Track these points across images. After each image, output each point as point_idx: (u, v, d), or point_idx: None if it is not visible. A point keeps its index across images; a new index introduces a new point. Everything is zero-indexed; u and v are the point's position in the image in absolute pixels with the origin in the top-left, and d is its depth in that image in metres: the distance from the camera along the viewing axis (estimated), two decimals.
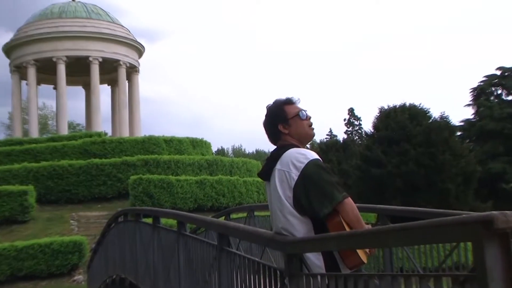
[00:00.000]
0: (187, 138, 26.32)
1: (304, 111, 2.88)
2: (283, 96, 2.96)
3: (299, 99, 2.92)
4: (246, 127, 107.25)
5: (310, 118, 2.88)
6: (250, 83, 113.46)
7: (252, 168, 25.27)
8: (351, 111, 52.59)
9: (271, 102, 2.95)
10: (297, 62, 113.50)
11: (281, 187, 2.68)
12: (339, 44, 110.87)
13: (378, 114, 31.06)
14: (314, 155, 2.67)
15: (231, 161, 24.91)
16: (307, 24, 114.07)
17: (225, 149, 76.13)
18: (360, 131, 48.78)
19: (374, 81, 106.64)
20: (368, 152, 28.55)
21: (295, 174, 2.63)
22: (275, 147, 2.87)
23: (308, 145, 2.97)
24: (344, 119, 52.68)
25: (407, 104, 30.43)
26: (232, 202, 20.93)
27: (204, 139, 27.52)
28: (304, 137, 2.87)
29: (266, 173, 2.81)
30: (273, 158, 2.78)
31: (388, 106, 30.72)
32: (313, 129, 2.89)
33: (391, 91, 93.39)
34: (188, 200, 20.41)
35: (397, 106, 30.27)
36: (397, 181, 26.34)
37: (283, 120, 2.84)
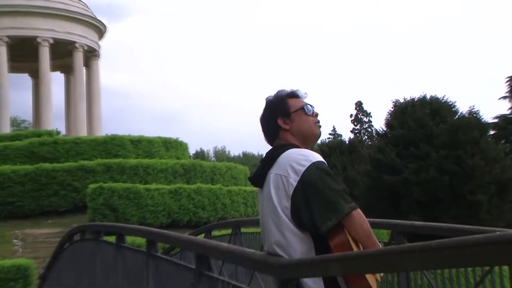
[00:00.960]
0: (159, 138, 26.38)
1: (311, 106, 2.95)
2: (286, 88, 3.03)
3: (306, 93, 3.00)
4: (230, 125, 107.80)
5: (317, 115, 2.96)
6: (237, 74, 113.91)
7: (238, 174, 25.36)
8: (359, 105, 52.86)
9: (271, 93, 3.02)
10: (294, 48, 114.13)
11: (277, 195, 2.72)
12: (344, 27, 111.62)
13: (392, 109, 31.22)
14: (317, 157, 2.70)
15: (213, 166, 25.03)
16: (306, 4, 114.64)
17: (205, 151, 76.35)
18: (370, 130, 49.35)
19: (387, 70, 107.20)
20: (380, 155, 28.67)
21: (294, 180, 2.67)
22: (271, 147, 2.92)
23: None
24: (351, 115, 52.67)
25: (428, 96, 30.52)
26: (214, 217, 21.04)
27: (180, 140, 27.69)
28: (308, 135, 2.92)
29: (259, 177, 2.85)
30: (268, 160, 2.83)
31: (405, 99, 30.86)
32: (320, 127, 2.97)
33: (408, 81, 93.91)
34: (160, 214, 20.39)
35: (416, 99, 30.36)
36: (416, 190, 26.46)
37: (284, 113, 2.91)
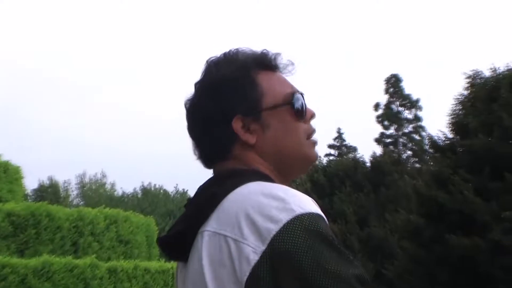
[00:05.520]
0: None
1: (301, 94, 3.10)
2: (250, 48, 3.14)
3: (291, 62, 3.17)
4: (115, 135, 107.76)
5: (313, 116, 3.14)
6: (118, 43, 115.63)
7: (131, 233, 25.94)
8: (393, 82, 53.48)
9: (216, 55, 3.15)
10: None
11: (215, 278, 2.69)
12: None
13: (465, 93, 31.25)
14: (306, 204, 2.68)
15: (77, 216, 25.38)
16: None
17: (61, 184, 76.22)
18: (417, 137, 50.74)
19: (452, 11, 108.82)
20: (440, 192, 28.68)
21: (253, 249, 2.61)
22: (210, 177, 2.99)
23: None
24: (376, 106, 55.24)
25: None
26: None
27: (5, 160, 28.29)
28: (294, 159, 3.06)
29: (180, 239, 2.88)
30: (200, 204, 2.86)
31: (494, 71, 30.79)
32: (315, 144, 3.12)
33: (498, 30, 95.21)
34: None
35: None
36: None
37: (247, 107, 3.01)
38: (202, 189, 2.91)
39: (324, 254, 2.53)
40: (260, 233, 2.58)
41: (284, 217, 2.57)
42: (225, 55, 3.07)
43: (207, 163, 3.05)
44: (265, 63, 3.06)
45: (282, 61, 3.11)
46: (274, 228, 2.56)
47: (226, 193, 2.73)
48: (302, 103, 3.03)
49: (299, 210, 2.59)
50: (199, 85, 3.07)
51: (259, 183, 2.76)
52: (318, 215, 2.63)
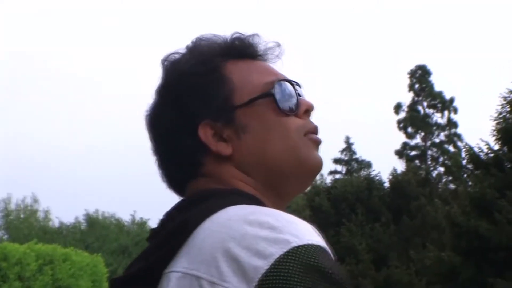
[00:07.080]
0: None
1: (294, 84, 3.05)
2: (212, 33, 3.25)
3: (277, 44, 3.19)
4: (45, 148, 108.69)
5: (309, 109, 3.08)
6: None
7: (71, 279, 25.35)
8: (419, 76, 53.36)
9: (176, 50, 3.20)
10: None
11: None
12: None
13: None
14: (304, 233, 2.58)
15: (1, 254, 25.22)
16: None
17: None
18: (450, 149, 51.67)
19: None
20: (485, 223, 28.10)
21: None
22: (178, 201, 3.02)
23: None
24: (397, 108, 55.77)
25: None
26: None
27: None
28: (287, 170, 2.98)
29: (139, 284, 2.81)
30: (166, 237, 2.80)
31: None
32: (318, 142, 3.07)
33: None
34: None
35: None
36: None
37: (215, 108, 3.00)
38: (168, 216, 2.85)
39: None
40: (244, 273, 2.51)
41: (276, 251, 2.50)
42: (186, 48, 3.03)
43: (176, 188, 2.98)
44: (237, 50, 2.97)
45: (261, 44, 3.02)
46: (263, 265, 2.49)
47: (198, 221, 2.67)
48: (289, 91, 2.91)
49: (295, 241, 2.51)
50: (159, 90, 3.02)
51: (242, 206, 2.67)
52: (320, 247, 2.54)
